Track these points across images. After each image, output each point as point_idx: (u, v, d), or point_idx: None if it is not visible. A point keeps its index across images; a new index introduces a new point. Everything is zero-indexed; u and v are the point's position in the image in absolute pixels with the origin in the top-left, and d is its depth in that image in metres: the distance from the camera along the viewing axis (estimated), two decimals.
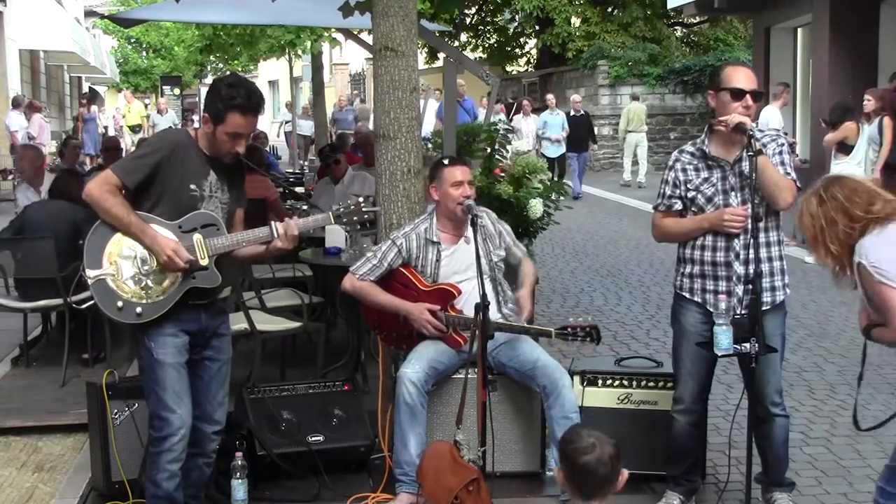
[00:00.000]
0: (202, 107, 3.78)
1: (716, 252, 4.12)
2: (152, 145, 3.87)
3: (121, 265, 3.69)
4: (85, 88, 33.46)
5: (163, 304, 3.72)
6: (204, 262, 3.75)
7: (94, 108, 25.22)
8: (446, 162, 4.74)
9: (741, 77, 4.08)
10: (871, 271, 3.22)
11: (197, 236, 3.74)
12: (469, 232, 4.59)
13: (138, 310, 3.70)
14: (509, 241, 4.81)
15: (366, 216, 4.03)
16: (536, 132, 17.86)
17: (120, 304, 3.69)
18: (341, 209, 4.00)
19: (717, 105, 4.12)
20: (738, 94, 4.03)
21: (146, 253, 3.70)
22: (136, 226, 3.66)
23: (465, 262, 4.61)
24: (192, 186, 3.74)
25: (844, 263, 3.35)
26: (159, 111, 24.39)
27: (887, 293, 3.21)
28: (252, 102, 3.72)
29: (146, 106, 26.21)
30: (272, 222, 3.87)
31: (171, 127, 20.82)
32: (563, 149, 17.76)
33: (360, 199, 4.06)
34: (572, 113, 18.19)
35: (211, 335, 3.92)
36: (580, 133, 18.00)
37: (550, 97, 19.09)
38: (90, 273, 3.70)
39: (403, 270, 4.68)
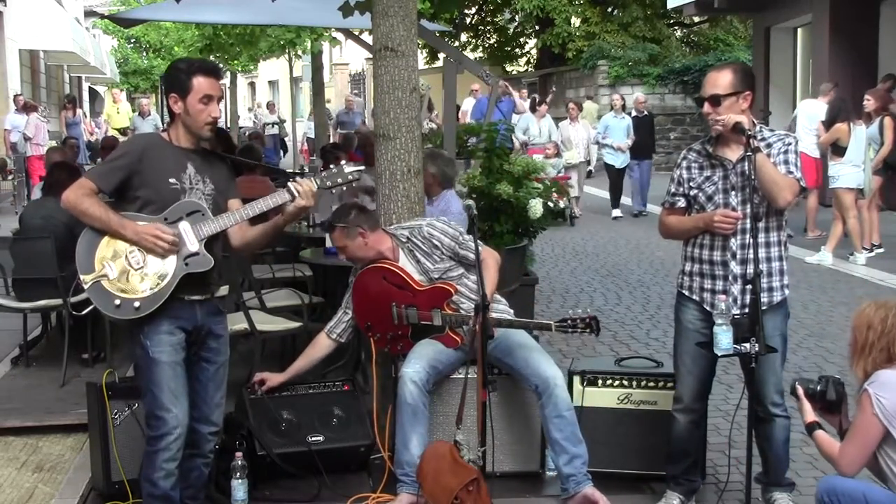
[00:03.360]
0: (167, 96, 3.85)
1: (713, 251, 4.15)
2: (122, 149, 3.95)
3: (113, 265, 3.72)
4: (85, 88, 33.27)
5: (159, 295, 3.72)
6: (194, 247, 3.76)
7: (79, 111, 23.75)
8: None
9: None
10: (873, 402, 3.38)
11: (184, 224, 3.76)
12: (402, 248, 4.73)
13: (136, 304, 3.71)
14: (452, 244, 4.67)
15: (350, 177, 3.98)
16: (596, 138, 15.84)
17: (117, 301, 3.71)
18: (324, 174, 3.99)
19: None
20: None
21: (134, 248, 3.72)
22: (116, 222, 3.70)
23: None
24: (172, 180, 3.78)
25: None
26: (140, 114, 22.64)
27: (869, 427, 3.40)
28: (209, 64, 3.91)
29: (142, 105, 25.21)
30: (289, 183, 3.89)
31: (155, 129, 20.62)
32: (627, 158, 15.29)
33: (343, 162, 4.06)
34: (633, 114, 15.71)
35: (207, 334, 3.91)
36: (644, 137, 15.35)
37: (617, 97, 16.46)
38: (84, 278, 3.74)
39: (397, 271, 4.68)
